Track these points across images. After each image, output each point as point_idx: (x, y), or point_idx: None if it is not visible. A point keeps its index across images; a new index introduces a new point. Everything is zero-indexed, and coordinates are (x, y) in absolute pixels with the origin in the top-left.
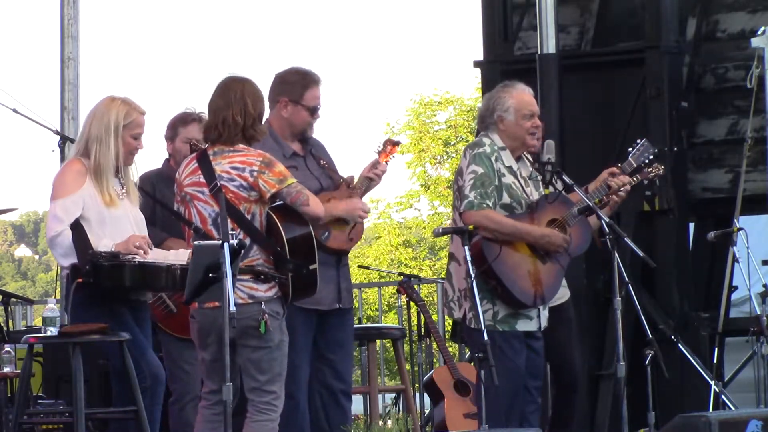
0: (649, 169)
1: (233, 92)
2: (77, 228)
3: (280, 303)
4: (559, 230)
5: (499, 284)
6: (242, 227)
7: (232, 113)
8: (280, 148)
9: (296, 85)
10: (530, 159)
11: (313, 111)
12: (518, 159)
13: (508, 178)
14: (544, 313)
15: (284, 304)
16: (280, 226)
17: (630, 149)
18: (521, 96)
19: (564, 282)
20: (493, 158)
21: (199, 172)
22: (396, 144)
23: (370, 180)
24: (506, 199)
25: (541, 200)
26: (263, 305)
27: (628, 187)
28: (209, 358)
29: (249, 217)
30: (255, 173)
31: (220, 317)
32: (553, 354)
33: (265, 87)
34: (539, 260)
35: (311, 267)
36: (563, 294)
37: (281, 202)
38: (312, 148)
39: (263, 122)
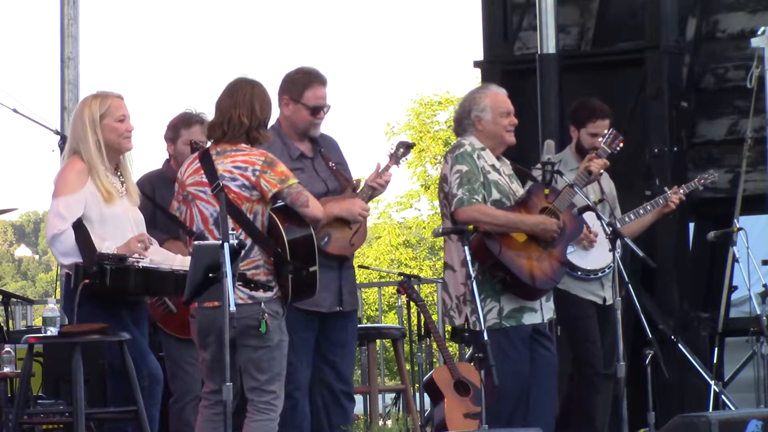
0: (705, 175)
1: (242, 93)
2: (80, 228)
3: (280, 303)
4: (551, 217)
5: (508, 274)
6: (243, 227)
7: (239, 113)
8: (286, 149)
9: (298, 84)
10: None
11: (315, 111)
12: (498, 159)
13: (494, 175)
14: (548, 305)
15: (284, 304)
16: (281, 227)
17: (600, 138)
18: (496, 96)
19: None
20: (475, 156)
21: (202, 171)
22: (410, 147)
23: (373, 189)
24: (495, 195)
25: (531, 191)
26: (263, 305)
27: (681, 195)
28: (209, 358)
29: (251, 217)
30: (257, 173)
31: (220, 317)
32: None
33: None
34: (538, 247)
35: (311, 269)
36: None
37: (283, 202)
38: (322, 149)
39: (274, 123)
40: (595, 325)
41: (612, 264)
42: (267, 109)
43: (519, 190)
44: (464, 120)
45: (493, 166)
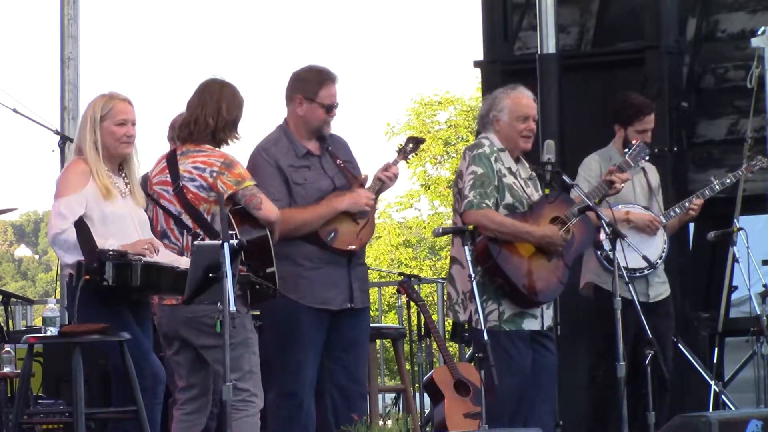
0: (753, 162)
1: (210, 93)
2: (81, 226)
3: (242, 301)
4: (561, 227)
5: (507, 282)
6: (201, 227)
7: (205, 114)
8: (293, 147)
9: (311, 83)
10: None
11: (329, 109)
12: (517, 161)
13: (509, 179)
14: (548, 312)
15: (246, 302)
16: (236, 228)
17: (626, 150)
18: (518, 98)
19: (664, 278)
20: (492, 158)
21: (167, 171)
22: (419, 142)
23: (382, 182)
24: (508, 198)
25: (543, 199)
26: (219, 304)
27: (701, 201)
28: (171, 354)
29: (209, 217)
30: (215, 174)
31: (179, 316)
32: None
33: (264, 88)
34: (544, 258)
35: (268, 270)
36: (665, 290)
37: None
38: (330, 146)
39: (281, 122)
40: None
41: (658, 260)
42: (234, 110)
43: (534, 194)
44: (485, 118)
45: (509, 168)
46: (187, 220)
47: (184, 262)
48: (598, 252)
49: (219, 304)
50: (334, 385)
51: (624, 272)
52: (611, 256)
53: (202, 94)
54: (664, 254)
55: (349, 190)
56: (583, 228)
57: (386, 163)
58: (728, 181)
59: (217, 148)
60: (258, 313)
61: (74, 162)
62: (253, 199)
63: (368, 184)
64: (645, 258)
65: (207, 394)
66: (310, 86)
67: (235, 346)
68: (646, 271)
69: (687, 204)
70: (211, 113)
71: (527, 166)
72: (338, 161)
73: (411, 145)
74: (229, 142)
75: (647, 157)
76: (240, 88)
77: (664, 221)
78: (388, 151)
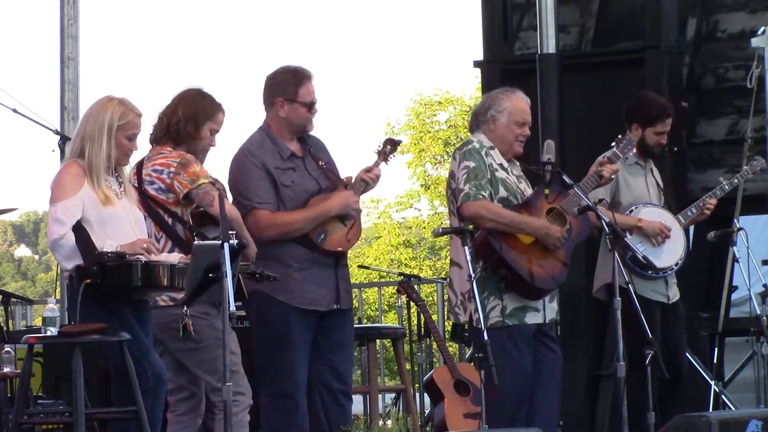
0: (755, 162)
1: (174, 97)
2: (80, 229)
3: (209, 303)
4: (558, 219)
5: (510, 271)
6: (163, 230)
7: (162, 114)
8: (277, 149)
9: (289, 84)
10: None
11: (310, 106)
12: (509, 159)
13: (501, 173)
14: (551, 306)
15: (216, 303)
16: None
17: (613, 144)
18: (518, 102)
19: (675, 281)
20: (483, 153)
21: (136, 176)
22: (396, 144)
23: (366, 183)
24: (503, 192)
25: (538, 192)
26: (185, 309)
27: (715, 200)
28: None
29: (169, 220)
30: (171, 175)
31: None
32: (662, 347)
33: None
34: (543, 250)
35: None
36: (678, 292)
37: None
38: (311, 148)
39: (262, 124)
40: (658, 330)
41: (679, 261)
42: (191, 109)
43: (527, 190)
44: (480, 116)
45: (501, 165)
46: (150, 224)
47: (173, 258)
48: (625, 253)
49: (185, 308)
50: (322, 385)
51: (624, 272)
52: (638, 257)
53: (171, 100)
54: (684, 255)
55: (335, 192)
56: (579, 220)
57: (368, 166)
58: (735, 181)
59: (177, 149)
60: (244, 313)
61: (68, 165)
62: (206, 197)
63: (353, 182)
64: (645, 258)
65: (198, 395)
66: (288, 87)
67: (209, 348)
68: (668, 272)
69: (701, 204)
70: (166, 112)
71: (518, 165)
72: (320, 162)
73: (389, 147)
74: (183, 137)
75: (634, 150)
76: (240, 88)
77: (683, 221)
78: (375, 149)
